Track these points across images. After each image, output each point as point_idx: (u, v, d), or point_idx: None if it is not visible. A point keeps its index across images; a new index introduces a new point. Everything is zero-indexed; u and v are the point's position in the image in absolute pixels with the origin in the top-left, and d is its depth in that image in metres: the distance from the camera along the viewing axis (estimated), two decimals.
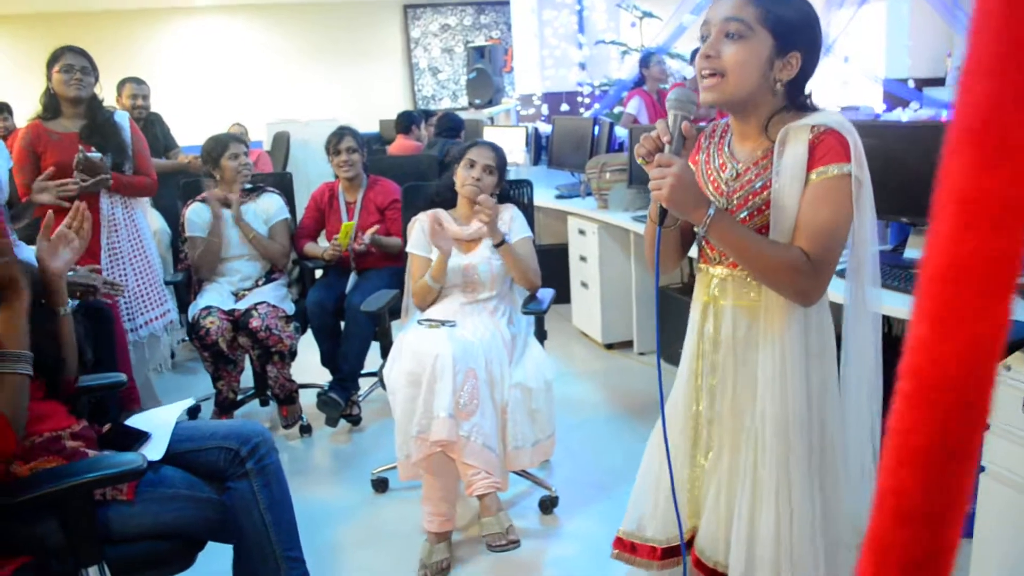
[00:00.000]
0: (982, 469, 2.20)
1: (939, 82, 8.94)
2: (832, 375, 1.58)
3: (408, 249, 3.11)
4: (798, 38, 1.47)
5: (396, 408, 2.74)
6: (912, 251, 2.82)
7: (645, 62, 6.01)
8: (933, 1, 5.82)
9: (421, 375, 2.66)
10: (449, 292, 3.03)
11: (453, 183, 3.09)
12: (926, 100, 6.72)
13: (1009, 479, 2.11)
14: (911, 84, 6.87)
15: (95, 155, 3.21)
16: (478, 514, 2.76)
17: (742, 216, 1.55)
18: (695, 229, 1.51)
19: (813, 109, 1.52)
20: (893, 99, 6.94)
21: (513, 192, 3.31)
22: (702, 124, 1.71)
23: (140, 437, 1.92)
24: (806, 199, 1.45)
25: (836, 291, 1.52)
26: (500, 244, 2.90)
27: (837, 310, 1.62)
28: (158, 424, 1.99)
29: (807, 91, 1.54)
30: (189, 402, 2.12)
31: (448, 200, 3.13)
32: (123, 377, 2.16)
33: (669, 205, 1.46)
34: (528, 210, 3.28)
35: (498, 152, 3.09)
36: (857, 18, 6.15)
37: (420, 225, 3.08)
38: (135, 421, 2.02)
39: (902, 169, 2.67)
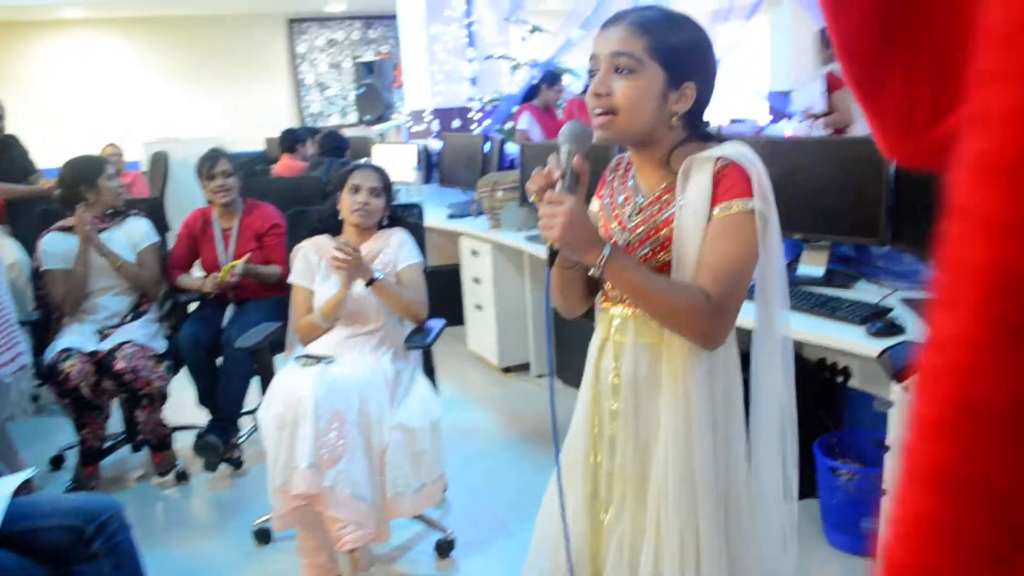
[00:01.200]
0: (884, 493, 2.16)
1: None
2: (739, 417, 1.48)
3: (291, 280, 2.89)
4: (691, 68, 1.38)
5: (268, 454, 2.53)
6: (806, 267, 2.78)
7: (552, 80, 5.94)
8: (814, 13, 5.92)
9: (287, 419, 2.46)
10: (330, 325, 2.82)
11: (335, 209, 2.89)
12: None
13: None
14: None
15: None
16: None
17: (644, 252, 1.44)
18: (590, 271, 1.39)
19: (715, 139, 1.43)
20: (776, 112, 7.09)
21: (403, 215, 3.14)
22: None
23: None
24: (709, 236, 1.36)
25: (745, 314, 1.42)
26: (371, 283, 2.70)
27: (744, 335, 1.52)
28: None
29: (706, 120, 1.45)
30: (27, 474, 1.85)
31: (333, 227, 2.93)
32: None
33: (560, 245, 1.34)
34: (419, 233, 3.10)
35: (382, 173, 2.91)
36: (742, 32, 6.23)
37: (304, 254, 2.86)
38: None
39: (794, 185, 2.62)
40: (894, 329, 2.14)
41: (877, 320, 2.21)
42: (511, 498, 3.16)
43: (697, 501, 1.41)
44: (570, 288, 1.56)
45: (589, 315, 4.11)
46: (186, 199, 7.89)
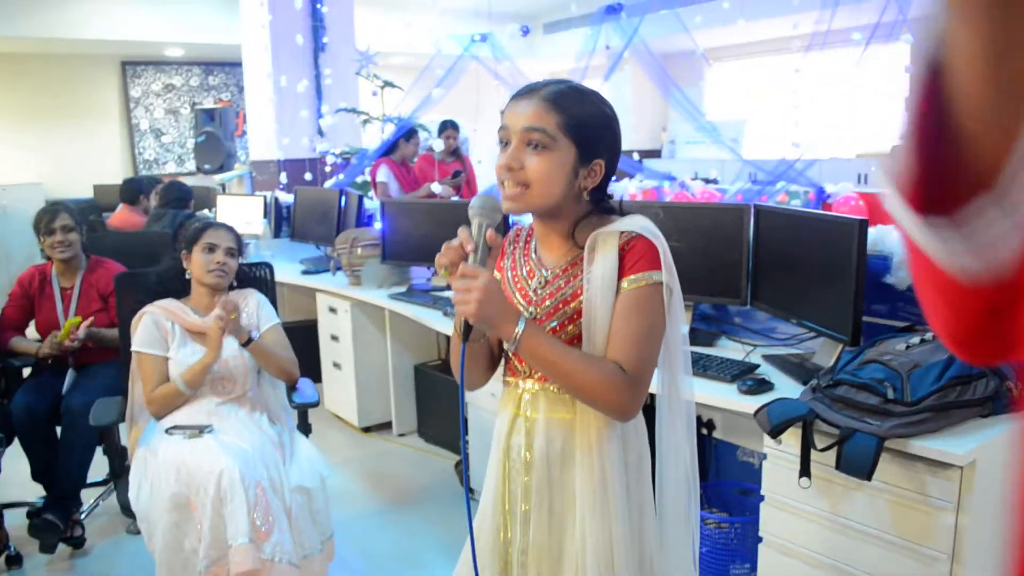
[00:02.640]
0: (760, 540, 2.25)
1: (656, 154, 9.76)
2: (648, 491, 1.51)
3: (136, 348, 2.68)
4: (600, 145, 1.41)
5: (156, 540, 2.34)
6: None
7: (409, 135, 5.96)
8: (652, 77, 6.26)
9: (191, 497, 2.31)
10: (195, 392, 2.66)
11: (180, 269, 2.75)
12: (647, 171, 7.22)
13: (784, 547, 2.16)
14: (636, 156, 7.36)
15: None
16: None
17: (552, 326, 1.45)
18: (504, 346, 1.38)
19: (618, 212, 1.46)
20: (619, 172, 7.40)
21: (254, 274, 3.03)
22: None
23: None
24: (618, 309, 1.38)
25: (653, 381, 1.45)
26: (248, 343, 2.60)
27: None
28: None
29: (609, 192, 1.49)
30: None
31: (178, 289, 2.78)
32: None
33: (476, 320, 1.32)
34: (271, 293, 3.01)
35: (235, 233, 2.83)
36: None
37: (152, 320, 2.68)
38: None
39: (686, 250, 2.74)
40: (764, 385, 2.26)
41: (746, 377, 2.33)
42: (388, 570, 3.06)
43: (615, 572, 1.42)
44: (474, 363, 1.54)
45: (446, 369, 4.12)
46: (3, 251, 7.32)
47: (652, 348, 1.39)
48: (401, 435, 4.41)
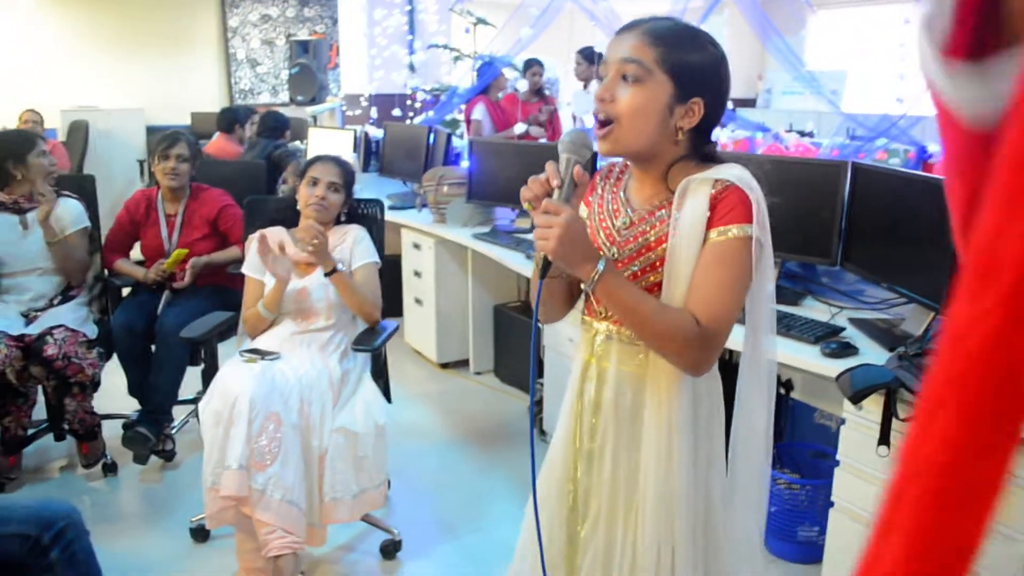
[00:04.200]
0: (831, 504, 2.23)
1: (751, 103, 9.47)
2: (720, 446, 1.49)
3: (243, 270, 2.81)
4: (701, 84, 1.35)
5: (205, 450, 2.46)
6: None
7: (527, 67, 5.93)
8: (752, 21, 6.04)
9: (223, 416, 2.40)
10: (281, 319, 2.75)
11: (294, 199, 2.82)
12: (740, 121, 7.01)
13: (856, 513, 2.14)
14: (729, 105, 7.16)
15: None
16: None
17: (633, 270, 1.43)
18: (581, 285, 1.37)
19: (718, 160, 1.41)
20: None
21: (364, 211, 3.07)
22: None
23: None
24: (703, 260, 1.34)
25: (733, 337, 1.42)
26: (331, 273, 2.64)
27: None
28: None
29: (713, 139, 1.44)
30: None
31: (289, 218, 2.86)
32: None
33: (554, 257, 1.30)
34: (378, 231, 3.03)
35: (344, 168, 2.84)
36: None
37: (255, 245, 2.79)
38: None
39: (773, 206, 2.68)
40: (848, 349, 2.22)
41: (831, 340, 2.28)
42: (456, 501, 3.14)
43: (675, 526, 1.42)
44: (552, 297, 1.54)
45: (525, 311, 4.08)
46: (104, 174, 7.60)
47: (732, 304, 1.35)
48: (478, 373, 4.48)
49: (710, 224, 1.34)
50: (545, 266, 1.36)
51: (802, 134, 5.62)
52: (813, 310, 2.63)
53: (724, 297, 1.34)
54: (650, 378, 1.44)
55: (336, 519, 2.56)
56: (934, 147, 4.28)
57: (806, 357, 2.24)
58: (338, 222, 2.88)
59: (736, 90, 7.57)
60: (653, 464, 1.43)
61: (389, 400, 2.83)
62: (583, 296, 1.56)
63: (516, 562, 1.68)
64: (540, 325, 1.57)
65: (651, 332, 1.34)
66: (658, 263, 1.40)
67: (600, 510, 1.52)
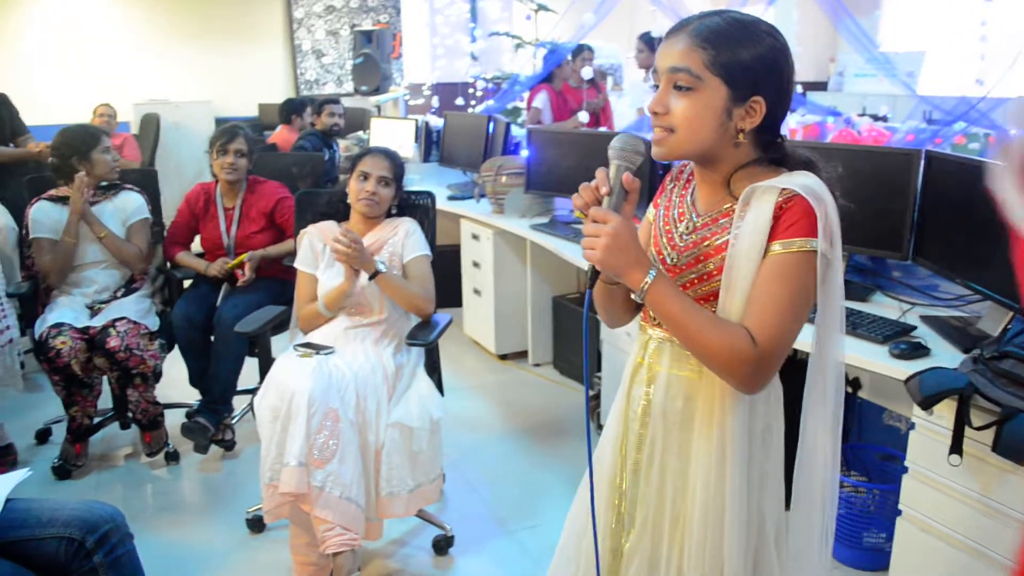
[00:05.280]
0: (899, 513, 2.13)
1: (822, 86, 9.17)
2: (777, 464, 1.40)
3: (295, 265, 2.80)
4: (759, 81, 1.26)
5: (262, 444, 2.46)
6: None
7: (577, 52, 5.80)
8: (822, 3, 5.82)
9: (281, 411, 2.39)
10: (334, 315, 2.74)
11: (345, 193, 2.80)
12: (810, 105, 6.81)
13: (924, 523, 2.03)
14: (799, 89, 6.94)
15: None
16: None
17: (690, 278, 1.35)
18: (631, 295, 1.31)
19: (786, 164, 1.32)
20: None
21: (415, 202, 3.04)
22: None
23: None
24: (763, 273, 1.25)
25: (802, 337, 1.32)
26: (374, 276, 2.61)
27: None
28: None
29: (780, 136, 1.34)
30: (23, 474, 1.77)
31: (340, 212, 2.84)
32: None
33: (601, 266, 1.25)
34: (429, 222, 3.00)
35: (395, 160, 2.81)
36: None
37: (309, 240, 2.78)
38: None
39: (844, 196, 2.56)
40: (919, 350, 2.10)
41: (900, 339, 2.16)
42: (510, 496, 3.11)
43: (724, 544, 1.35)
44: (613, 303, 1.48)
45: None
46: (173, 166, 7.77)
47: (791, 323, 1.26)
48: (536, 365, 4.44)
49: (773, 235, 1.25)
50: (593, 275, 1.31)
51: (875, 118, 5.41)
52: (883, 306, 2.51)
53: (783, 315, 1.24)
54: (704, 384, 1.36)
55: (391, 514, 2.55)
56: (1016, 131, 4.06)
57: (874, 358, 2.12)
58: (389, 215, 2.85)
59: (806, 73, 7.37)
60: (703, 477, 1.36)
61: (442, 394, 2.80)
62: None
63: (554, 566, 1.63)
64: (592, 324, 1.51)
65: (701, 347, 1.26)
66: (715, 272, 1.32)
67: (646, 522, 1.46)
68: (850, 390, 2.80)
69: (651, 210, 1.49)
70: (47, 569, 1.61)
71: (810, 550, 1.43)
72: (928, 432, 1.99)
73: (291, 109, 6.17)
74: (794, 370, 1.44)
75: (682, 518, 1.40)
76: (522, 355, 4.51)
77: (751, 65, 1.25)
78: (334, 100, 5.78)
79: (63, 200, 3.26)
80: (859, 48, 5.10)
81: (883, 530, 2.50)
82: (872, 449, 2.77)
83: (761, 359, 1.23)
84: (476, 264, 4.55)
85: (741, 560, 1.36)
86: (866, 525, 2.56)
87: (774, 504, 1.41)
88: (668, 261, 1.39)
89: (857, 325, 2.27)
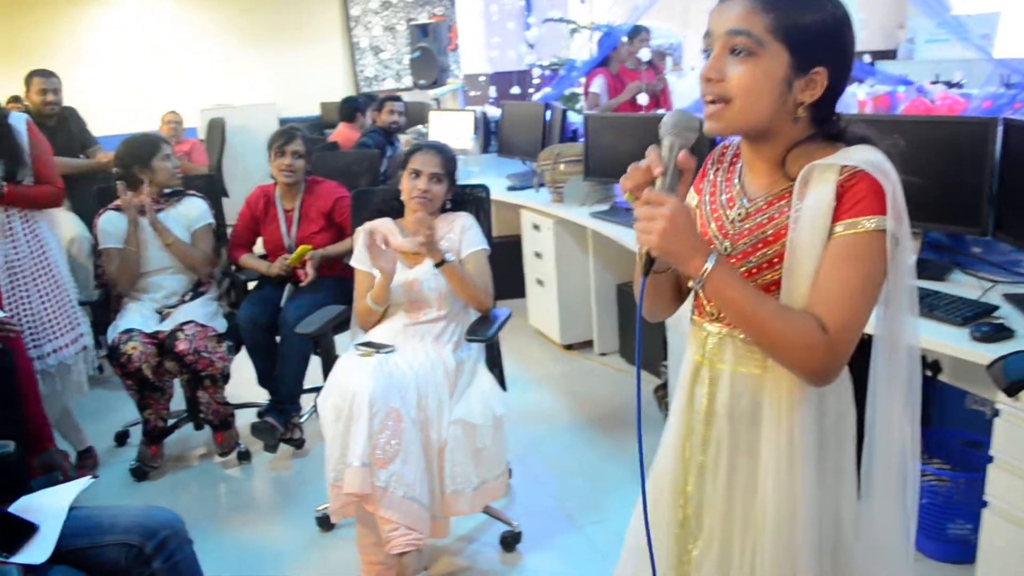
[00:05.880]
0: (984, 504, 2.01)
1: (891, 55, 8.83)
2: (850, 457, 1.32)
3: (352, 263, 2.81)
4: (822, 50, 1.18)
5: (326, 444, 2.47)
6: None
7: (633, 34, 5.69)
8: None
9: (343, 411, 2.39)
10: (393, 311, 2.74)
11: (399, 190, 2.79)
12: (879, 75, 6.56)
13: (1012, 515, 1.92)
14: (866, 59, 6.69)
15: None
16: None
17: (749, 266, 1.28)
18: (689, 283, 1.24)
19: (843, 139, 1.24)
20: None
21: (469, 195, 3.01)
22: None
23: (25, 530, 1.61)
24: (828, 256, 1.18)
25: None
26: (441, 264, 2.59)
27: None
28: (49, 512, 1.67)
29: (836, 113, 1.25)
30: (85, 483, 1.80)
31: (395, 209, 2.83)
32: (8, 447, 1.83)
33: (658, 253, 1.18)
34: (485, 216, 2.97)
35: (446, 155, 2.78)
36: None
37: (363, 237, 2.78)
38: (24, 505, 1.70)
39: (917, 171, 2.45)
40: (1002, 332, 1.98)
41: (981, 321, 2.05)
42: (578, 489, 3.06)
43: (797, 546, 1.28)
44: (658, 294, 1.41)
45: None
46: (239, 169, 7.91)
47: (863, 307, 1.18)
48: (602, 354, 4.38)
49: (837, 216, 1.18)
50: (648, 262, 1.23)
51: (949, 85, 5.17)
52: (961, 285, 2.38)
53: (853, 299, 1.17)
54: (770, 379, 1.29)
55: (457, 511, 2.53)
56: None
57: (953, 341, 2.01)
58: (444, 210, 2.83)
59: (874, 41, 7.08)
60: (773, 477, 1.29)
61: (504, 388, 2.77)
62: (693, 295, 1.43)
63: (619, 572, 1.58)
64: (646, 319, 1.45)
65: (769, 338, 1.19)
66: (776, 259, 1.25)
67: (714, 528, 1.39)
68: (929, 373, 2.68)
69: (692, 196, 1.41)
70: (106, 575, 1.63)
71: (893, 542, 1.35)
72: (1014, 419, 1.88)
73: (352, 107, 6.21)
74: (861, 356, 1.36)
75: (752, 520, 1.33)
76: (587, 344, 4.46)
77: (815, 32, 1.17)
78: (395, 97, 5.80)
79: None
80: (929, 12, 4.89)
81: (969, 520, 2.38)
82: (953, 435, 2.64)
83: (833, 348, 1.16)
84: (538, 254, 4.50)
85: (816, 560, 1.29)
86: (950, 515, 2.44)
87: (850, 500, 1.33)
88: (721, 250, 1.31)
89: (934, 307, 2.15)
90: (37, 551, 1.57)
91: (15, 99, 5.19)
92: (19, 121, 3.07)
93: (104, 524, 1.68)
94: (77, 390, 3.28)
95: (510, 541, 2.72)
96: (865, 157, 1.18)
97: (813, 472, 1.27)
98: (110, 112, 7.60)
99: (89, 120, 4.78)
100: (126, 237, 3.32)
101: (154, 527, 1.67)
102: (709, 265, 1.16)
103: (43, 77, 4.39)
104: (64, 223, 4.02)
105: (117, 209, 3.37)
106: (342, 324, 2.99)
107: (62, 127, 4.50)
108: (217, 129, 7.50)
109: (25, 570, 1.52)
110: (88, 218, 4.11)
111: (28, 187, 3.04)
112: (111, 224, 3.35)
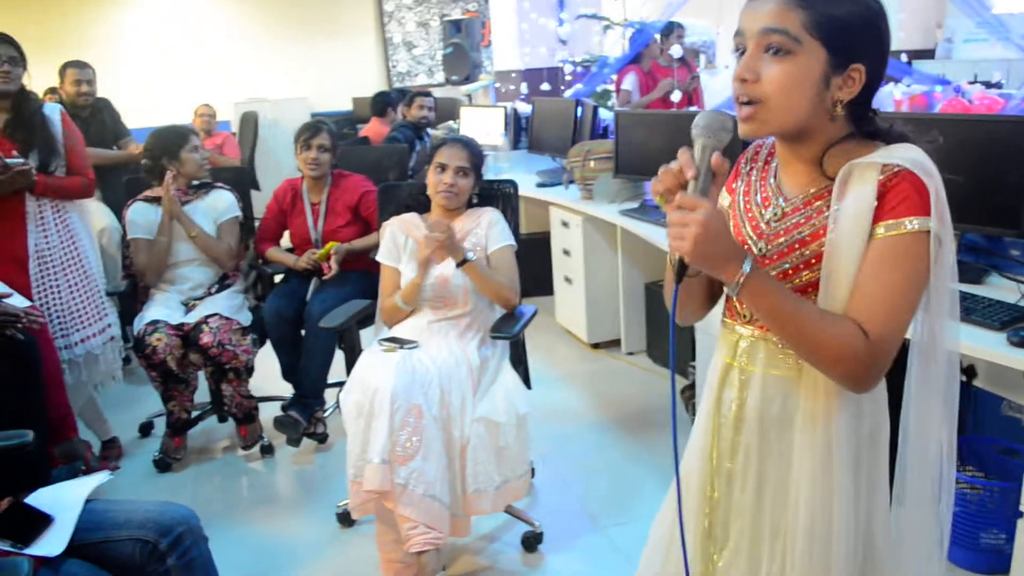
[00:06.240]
0: (1020, 513, 1.95)
1: (929, 54, 8.66)
2: (883, 470, 1.27)
3: (378, 258, 2.79)
4: (860, 46, 1.14)
5: (348, 441, 2.45)
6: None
7: (667, 31, 5.63)
8: None
9: (364, 407, 2.37)
10: (418, 307, 2.72)
11: (426, 185, 2.77)
12: (917, 75, 6.44)
13: None
14: (903, 58, 6.56)
15: (16, 160, 2.86)
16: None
17: (784, 268, 1.23)
18: (725, 289, 1.20)
19: (881, 137, 1.19)
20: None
21: (496, 191, 2.98)
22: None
23: (41, 522, 1.60)
24: (869, 258, 1.13)
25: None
26: (462, 263, 2.56)
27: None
28: (65, 504, 1.67)
29: (873, 109, 1.21)
30: (102, 477, 1.80)
31: (422, 204, 2.81)
32: (27, 436, 1.84)
33: (692, 259, 1.12)
34: (512, 212, 2.94)
35: (472, 149, 2.75)
36: None
37: (391, 233, 2.76)
38: (41, 497, 1.70)
39: (954, 170, 2.38)
40: None
41: (1019, 325, 1.98)
42: (602, 490, 3.03)
43: (831, 559, 1.24)
44: (690, 298, 1.37)
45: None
46: (272, 162, 7.96)
47: (905, 312, 1.14)
48: (630, 353, 4.34)
49: (878, 217, 1.13)
50: (681, 269, 1.18)
51: (988, 85, 5.05)
52: (999, 289, 2.31)
53: (896, 304, 1.13)
54: (804, 384, 1.24)
55: (478, 510, 2.50)
56: None
57: (989, 346, 1.95)
58: (470, 205, 2.80)
59: (911, 41, 6.96)
60: (807, 485, 1.24)
61: (528, 387, 2.74)
62: (725, 297, 1.39)
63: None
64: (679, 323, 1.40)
65: (808, 344, 1.15)
66: (814, 260, 1.20)
67: (741, 537, 1.35)
68: (964, 379, 2.61)
69: (724, 196, 1.37)
70: (123, 570, 1.62)
71: (924, 551, 1.30)
72: None
73: (383, 102, 6.21)
74: (895, 360, 1.31)
75: (783, 530, 1.29)
76: (615, 343, 4.41)
77: (852, 28, 1.13)
78: (425, 92, 5.79)
79: (157, 200, 3.35)
80: (969, 11, 4.78)
81: (1002, 530, 2.31)
82: (990, 442, 2.57)
83: (875, 353, 1.12)
84: (566, 252, 4.47)
85: (849, 570, 1.25)
86: (984, 524, 2.37)
87: (883, 508, 1.28)
88: (755, 251, 1.27)
89: (971, 310, 2.09)
90: (52, 543, 1.56)
91: (51, 90, 5.26)
92: (53, 111, 3.10)
93: (119, 519, 1.67)
94: (109, 377, 3.30)
95: (532, 541, 2.69)
96: (907, 155, 1.14)
97: (850, 481, 1.23)
98: (145, 104, 7.68)
99: (124, 112, 4.82)
100: (158, 228, 3.33)
101: (169, 523, 1.66)
102: (744, 270, 1.12)
103: (77, 68, 4.43)
104: (95, 213, 4.05)
105: (146, 200, 3.39)
106: (367, 318, 2.98)
107: (96, 118, 4.53)
108: (250, 123, 7.54)
109: (39, 562, 1.52)
110: (118, 209, 4.14)
111: (59, 178, 3.06)
112: (139, 215, 3.37)
